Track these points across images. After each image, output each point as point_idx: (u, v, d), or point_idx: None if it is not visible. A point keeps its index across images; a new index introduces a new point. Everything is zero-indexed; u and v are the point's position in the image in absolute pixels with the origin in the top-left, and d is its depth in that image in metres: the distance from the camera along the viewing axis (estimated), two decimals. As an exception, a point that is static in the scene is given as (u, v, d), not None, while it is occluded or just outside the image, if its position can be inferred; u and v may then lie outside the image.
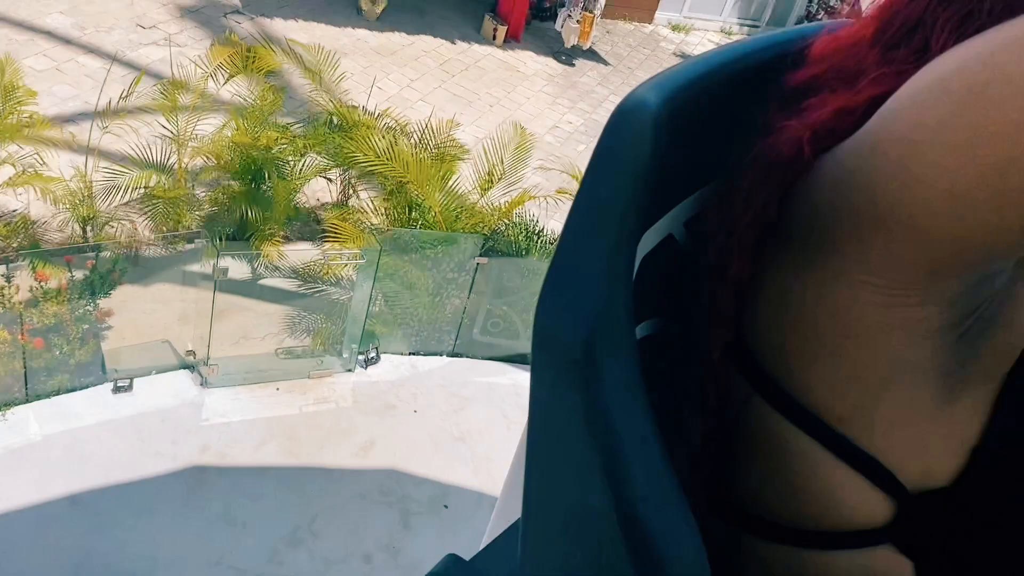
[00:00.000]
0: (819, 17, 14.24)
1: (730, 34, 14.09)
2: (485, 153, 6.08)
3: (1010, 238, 0.48)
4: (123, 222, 5.82)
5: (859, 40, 0.61)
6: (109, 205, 5.80)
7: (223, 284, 5.52)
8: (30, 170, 5.51)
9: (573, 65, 11.35)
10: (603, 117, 10.29)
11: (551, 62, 11.29)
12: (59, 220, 5.66)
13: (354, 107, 6.39)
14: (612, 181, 0.54)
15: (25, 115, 5.48)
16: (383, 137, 5.59)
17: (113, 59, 7.68)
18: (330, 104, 6.26)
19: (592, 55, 11.72)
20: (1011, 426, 0.61)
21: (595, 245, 0.54)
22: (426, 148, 6.21)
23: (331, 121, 6.33)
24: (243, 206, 5.86)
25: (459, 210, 5.72)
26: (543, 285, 0.55)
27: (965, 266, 0.53)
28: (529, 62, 11.10)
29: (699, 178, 0.65)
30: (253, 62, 6.20)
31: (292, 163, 6.16)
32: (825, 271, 0.58)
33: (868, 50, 0.60)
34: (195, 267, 5.85)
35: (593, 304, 0.52)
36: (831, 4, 14.00)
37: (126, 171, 5.55)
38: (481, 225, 5.63)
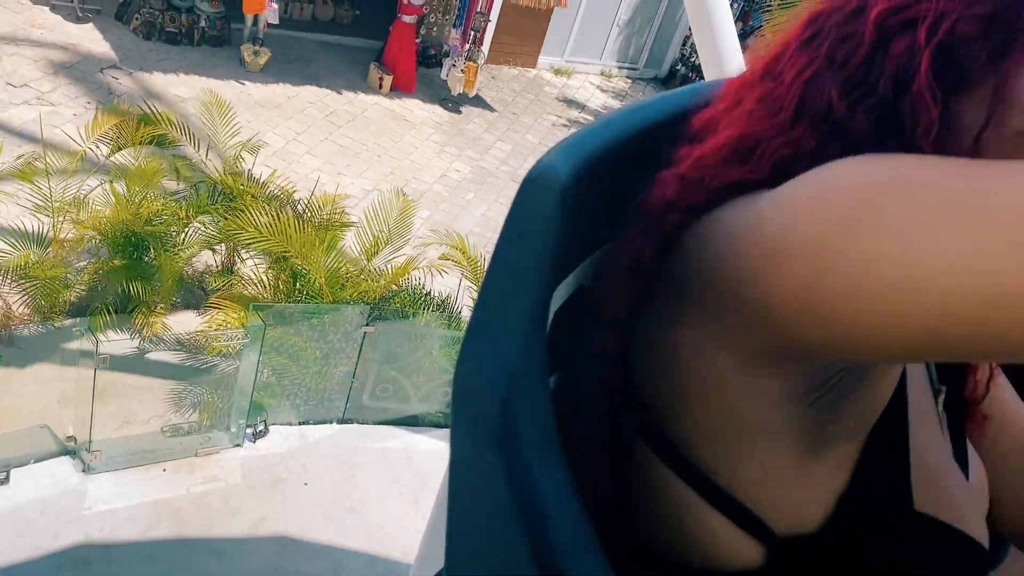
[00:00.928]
0: (692, 59, 14.97)
1: (610, 76, 14.64)
2: (368, 221, 6.19)
3: (859, 348, 0.52)
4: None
5: (752, 75, 0.64)
6: (-20, 283, 5.65)
7: (103, 359, 5.45)
8: None
9: (460, 112, 11.58)
10: (490, 164, 10.52)
11: (438, 109, 11.50)
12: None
13: (238, 175, 6.40)
14: (524, 246, 0.57)
15: None
16: (265, 212, 5.63)
17: (-19, 123, 7.44)
18: (216, 174, 6.27)
19: (478, 101, 11.99)
20: (873, 475, 0.65)
21: (509, 308, 0.56)
22: (312, 217, 6.28)
23: (215, 189, 6.33)
24: (124, 281, 5.80)
25: (345, 279, 5.81)
26: (461, 348, 0.57)
27: (813, 357, 0.58)
28: (416, 110, 11.28)
29: (609, 231, 0.67)
30: (140, 129, 6.16)
31: (175, 233, 6.12)
32: (692, 330, 0.61)
33: (757, 83, 0.63)
34: (75, 344, 5.74)
35: (509, 365, 0.54)
36: (704, 48, 14.68)
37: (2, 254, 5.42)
38: (367, 294, 5.73)
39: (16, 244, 5.75)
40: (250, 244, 5.73)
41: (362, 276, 6.01)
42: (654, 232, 0.62)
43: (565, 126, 12.52)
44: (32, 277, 5.48)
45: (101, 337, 5.67)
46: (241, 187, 6.21)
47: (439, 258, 6.03)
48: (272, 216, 5.69)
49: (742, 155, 0.60)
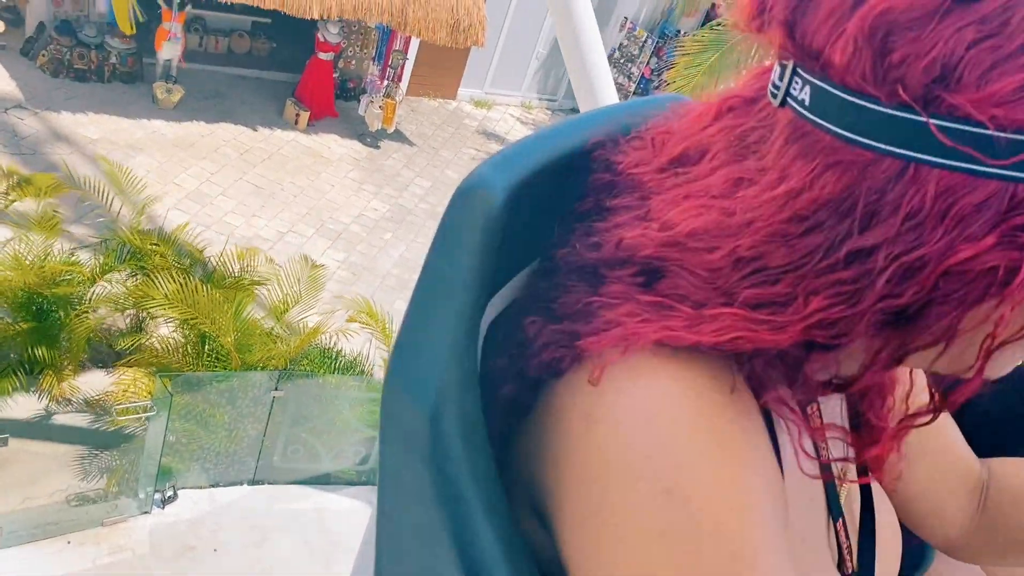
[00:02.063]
0: (610, 91, 15.31)
1: (530, 108, 14.90)
2: (278, 282, 6.26)
3: None
4: None
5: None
6: None
7: (5, 426, 5.41)
8: None
9: (378, 148, 11.65)
10: (409, 202, 10.59)
11: (356, 145, 11.55)
12: None
13: (147, 233, 6.38)
14: (452, 259, 0.56)
15: None
16: (173, 278, 5.65)
17: None
18: (126, 224, 6.26)
19: (397, 135, 12.07)
20: None
21: (436, 321, 0.55)
22: (222, 276, 6.31)
23: (123, 247, 6.30)
24: (29, 345, 5.74)
25: (254, 342, 5.86)
26: (388, 362, 0.58)
27: None
28: (334, 146, 11.30)
29: (543, 244, 0.66)
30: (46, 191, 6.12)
31: (82, 291, 6.07)
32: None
33: (741, 272, 0.53)
34: (-26, 411, 5.66)
35: (436, 378, 0.53)
36: (619, 81, 15.13)
37: None
38: (276, 357, 5.79)
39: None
40: (157, 310, 5.75)
41: (272, 336, 6.07)
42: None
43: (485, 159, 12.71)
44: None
45: (2, 402, 5.63)
46: (151, 247, 6.20)
47: (347, 320, 6.12)
48: (179, 283, 5.71)
49: (725, 347, 0.53)
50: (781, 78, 0.54)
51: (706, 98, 0.59)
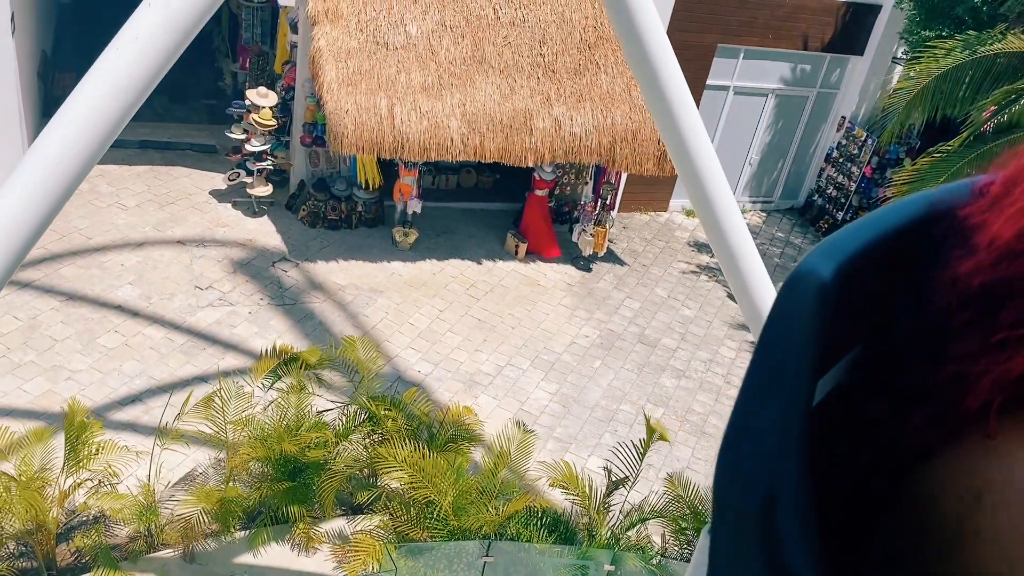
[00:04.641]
0: (828, 191, 15.06)
1: (744, 212, 14.93)
2: (491, 446, 6.90)
3: None
4: (180, 520, 6.76)
5: None
6: (169, 501, 6.80)
7: (264, 573, 6.41)
8: (105, 487, 6.53)
9: (590, 270, 12.26)
10: (618, 326, 10.97)
11: (570, 270, 12.22)
12: (128, 529, 6.64)
13: (381, 398, 7.30)
14: (783, 347, 0.58)
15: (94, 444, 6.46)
16: (404, 442, 6.48)
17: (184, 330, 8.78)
18: (360, 400, 7.21)
19: (609, 255, 12.63)
20: None
21: (767, 410, 0.57)
22: (444, 438, 7.08)
23: (361, 412, 7.26)
24: (286, 503, 6.78)
25: (469, 505, 6.51)
26: (721, 448, 0.59)
27: None
28: (549, 273, 12.04)
29: (870, 325, 0.67)
30: (295, 365, 7.24)
31: (329, 453, 7.06)
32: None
33: None
34: (242, 558, 6.75)
35: (768, 466, 0.55)
36: (839, 181, 14.81)
37: (190, 507, 6.50)
38: (488, 523, 6.39)
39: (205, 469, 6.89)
40: (389, 472, 6.59)
41: (484, 497, 6.71)
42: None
43: (695, 272, 12.95)
44: (213, 509, 6.52)
45: (260, 551, 6.67)
46: (383, 412, 7.11)
47: (549, 484, 6.62)
48: (409, 448, 6.53)
49: None
50: None
51: None
